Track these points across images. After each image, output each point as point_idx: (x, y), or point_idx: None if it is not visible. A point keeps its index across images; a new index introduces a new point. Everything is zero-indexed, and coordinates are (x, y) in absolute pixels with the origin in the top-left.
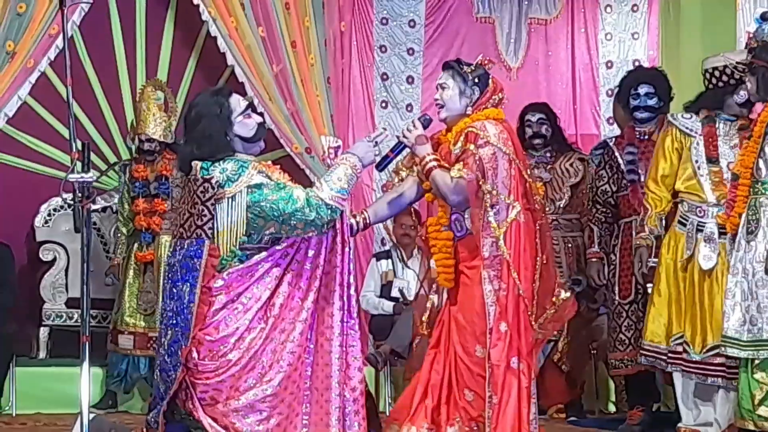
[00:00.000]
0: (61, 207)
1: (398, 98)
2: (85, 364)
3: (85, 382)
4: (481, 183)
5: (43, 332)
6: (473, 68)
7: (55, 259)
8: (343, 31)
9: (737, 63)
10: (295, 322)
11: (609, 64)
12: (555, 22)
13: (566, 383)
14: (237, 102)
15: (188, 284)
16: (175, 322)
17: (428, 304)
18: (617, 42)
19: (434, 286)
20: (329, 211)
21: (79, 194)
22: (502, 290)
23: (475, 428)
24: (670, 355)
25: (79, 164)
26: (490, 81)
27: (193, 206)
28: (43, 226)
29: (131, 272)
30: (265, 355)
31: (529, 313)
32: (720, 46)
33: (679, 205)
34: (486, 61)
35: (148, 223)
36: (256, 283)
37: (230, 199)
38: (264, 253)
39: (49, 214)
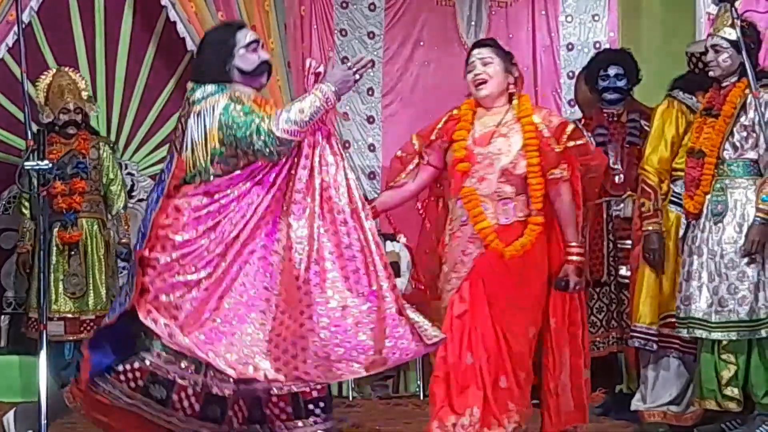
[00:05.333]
0: (21, 194)
1: (359, 82)
2: (43, 353)
3: (43, 370)
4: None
5: (4, 320)
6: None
7: (15, 247)
8: (303, 15)
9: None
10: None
11: (570, 47)
12: (515, 5)
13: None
14: (244, 36)
15: (156, 194)
16: (140, 228)
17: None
18: (578, 24)
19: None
20: (277, 142)
21: (35, 181)
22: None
23: None
24: (662, 337)
25: (34, 151)
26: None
27: (177, 124)
28: (3, 213)
29: (54, 257)
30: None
31: None
32: (679, 28)
33: (672, 185)
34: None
35: (68, 204)
36: (220, 215)
37: (196, 115)
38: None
39: (8, 202)
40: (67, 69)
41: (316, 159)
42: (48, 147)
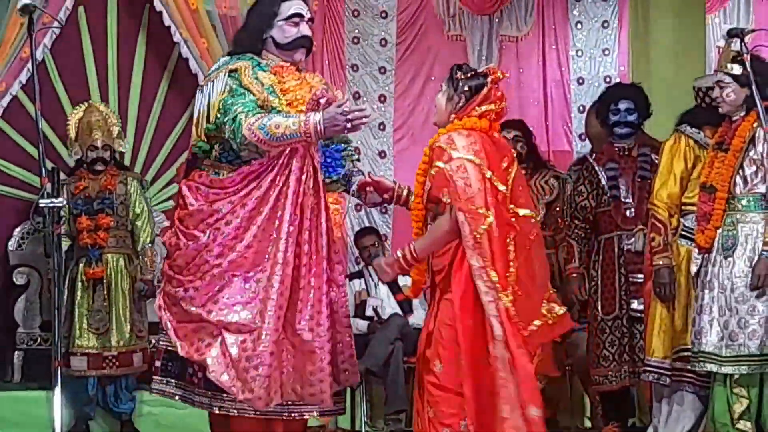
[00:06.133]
0: (35, 230)
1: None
2: (57, 389)
3: (57, 406)
4: (452, 198)
5: (18, 356)
6: (469, 75)
7: (28, 283)
8: (314, 50)
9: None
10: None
11: (580, 81)
12: (526, 40)
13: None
14: (288, 8)
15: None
16: None
17: None
18: (588, 58)
19: None
20: (243, 139)
21: (49, 219)
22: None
23: None
24: (675, 371)
25: (48, 189)
26: (483, 90)
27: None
28: (16, 249)
29: (79, 292)
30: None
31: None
32: (690, 62)
33: (682, 219)
34: (491, 71)
35: (93, 240)
36: (227, 198)
37: (200, 91)
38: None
39: (22, 238)
40: (98, 104)
41: (303, 186)
42: (76, 182)
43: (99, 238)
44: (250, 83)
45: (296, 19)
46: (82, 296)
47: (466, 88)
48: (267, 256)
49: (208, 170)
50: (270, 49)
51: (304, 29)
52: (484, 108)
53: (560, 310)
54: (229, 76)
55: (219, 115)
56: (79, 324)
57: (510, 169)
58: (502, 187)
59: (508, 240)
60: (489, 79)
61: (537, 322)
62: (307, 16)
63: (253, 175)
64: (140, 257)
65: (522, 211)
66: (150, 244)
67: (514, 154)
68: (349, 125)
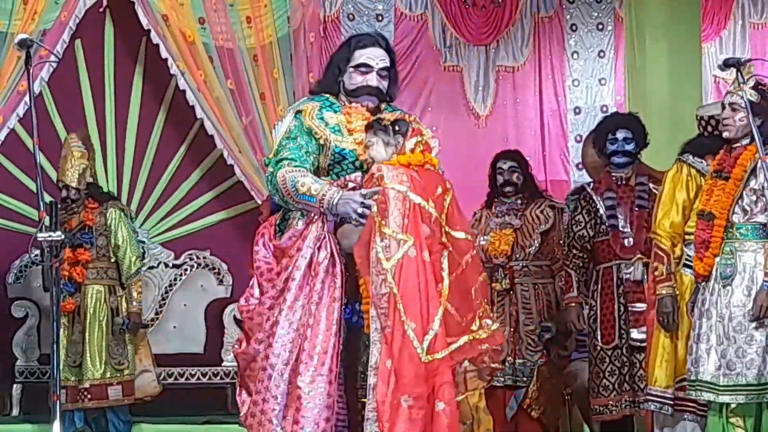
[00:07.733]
0: (33, 263)
1: None
2: (57, 423)
3: None
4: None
5: (16, 389)
6: (392, 119)
7: (27, 316)
8: (311, 81)
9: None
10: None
11: (577, 110)
12: (522, 70)
13: (540, 429)
14: (360, 55)
15: None
16: None
17: None
18: (585, 88)
19: None
20: (276, 182)
21: (48, 252)
22: (387, 327)
23: None
24: (677, 400)
25: (47, 222)
26: (408, 128)
27: None
28: (14, 282)
29: (62, 325)
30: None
31: (419, 349)
32: (686, 91)
33: (686, 248)
34: (404, 116)
35: (69, 273)
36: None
37: (278, 123)
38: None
39: (20, 271)
40: (73, 135)
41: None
42: (64, 215)
43: (74, 273)
44: (312, 123)
45: (363, 69)
46: (65, 328)
47: (396, 128)
48: (303, 324)
49: (280, 224)
50: (343, 92)
51: (371, 79)
52: (414, 141)
53: (494, 324)
54: (294, 116)
55: (272, 156)
56: (61, 356)
57: (446, 196)
58: (434, 212)
59: (441, 258)
60: (405, 115)
61: (464, 338)
62: (379, 66)
63: (297, 236)
64: (126, 289)
65: (457, 234)
66: (134, 276)
67: (449, 185)
68: (360, 212)
